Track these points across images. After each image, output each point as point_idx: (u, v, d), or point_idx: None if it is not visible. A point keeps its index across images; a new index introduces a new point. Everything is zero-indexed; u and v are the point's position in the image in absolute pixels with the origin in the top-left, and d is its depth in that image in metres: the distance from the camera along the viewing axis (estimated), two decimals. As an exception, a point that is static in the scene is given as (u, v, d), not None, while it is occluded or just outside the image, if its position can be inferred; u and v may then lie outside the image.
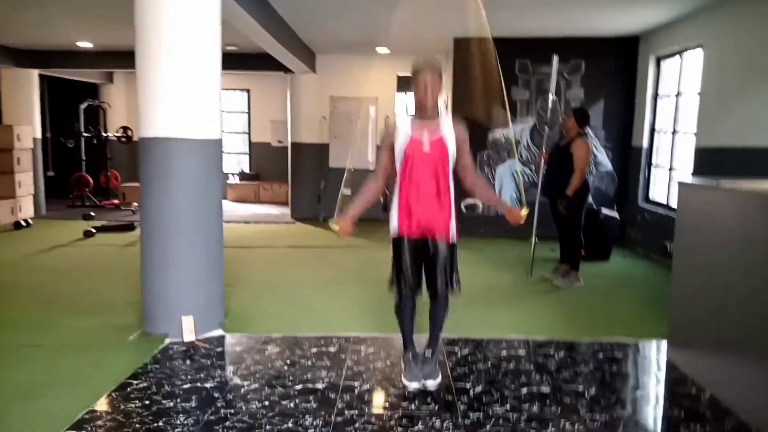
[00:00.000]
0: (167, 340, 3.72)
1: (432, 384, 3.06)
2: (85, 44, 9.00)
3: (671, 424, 2.77)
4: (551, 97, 5.71)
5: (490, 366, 3.45)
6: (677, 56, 6.80)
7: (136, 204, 10.55)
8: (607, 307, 4.89)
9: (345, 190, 3.02)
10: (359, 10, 6.29)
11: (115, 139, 11.52)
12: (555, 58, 5.65)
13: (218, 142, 3.89)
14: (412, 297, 3.08)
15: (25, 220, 8.55)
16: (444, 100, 8.85)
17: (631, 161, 7.67)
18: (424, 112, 2.96)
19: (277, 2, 6.02)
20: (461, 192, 7.99)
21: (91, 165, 11.39)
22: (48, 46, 9.37)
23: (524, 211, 3.03)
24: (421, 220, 2.93)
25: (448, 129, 2.97)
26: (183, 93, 3.64)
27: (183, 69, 3.62)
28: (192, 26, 3.62)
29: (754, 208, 2.79)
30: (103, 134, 11.44)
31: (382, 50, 8.83)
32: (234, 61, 9.17)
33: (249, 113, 12.74)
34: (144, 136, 3.70)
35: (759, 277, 2.70)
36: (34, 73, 9.94)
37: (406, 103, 11.46)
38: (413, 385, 3.06)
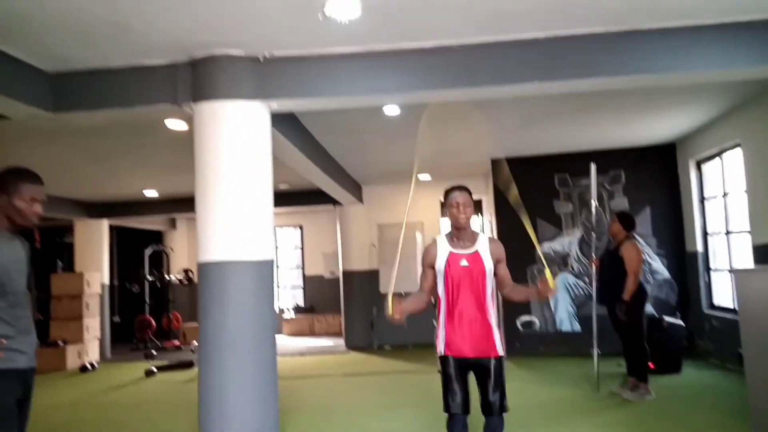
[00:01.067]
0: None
1: None
2: (151, 193, 9.79)
3: None
4: (594, 203, 5.76)
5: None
6: (717, 157, 6.83)
7: (195, 343, 10.76)
8: (683, 420, 4.52)
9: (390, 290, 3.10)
10: (398, 142, 6.72)
11: (177, 281, 12.06)
12: (592, 166, 5.78)
13: (270, 263, 4.06)
14: (463, 415, 2.99)
15: (91, 364, 8.81)
16: (489, 219, 9.02)
17: (688, 267, 7.43)
18: (460, 229, 3.09)
19: (323, 139, 6.51)
20: (516, 309, 7.89)
21: (154, 307, 11.85)
22: (118, 198, 10.22)
23: (548, 275, 2.99)
24: (467, 339, 2.98)
25: (483, 244, 3.09)
26: (237, 220, 3.90)
27: (238, 198, 3.90)
28: (245, 157, 3.96)
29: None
30: (166, 277, 12.00)
31: (424, 177, 9.23)
32: (287, 198, 9.76)
33: (302, 248, 13.20)
34: (202, 261, 3.92)
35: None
36: (105, 223, 10.75)
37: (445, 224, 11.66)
38: None
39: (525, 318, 7.64)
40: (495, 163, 7.89)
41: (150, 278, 11.73)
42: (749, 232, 6.02)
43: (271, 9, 3.34)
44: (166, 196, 10.16)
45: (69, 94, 4.10)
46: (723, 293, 6.88)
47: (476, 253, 3.05)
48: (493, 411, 2.95)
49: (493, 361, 2.98)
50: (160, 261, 12.53)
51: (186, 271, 11.96)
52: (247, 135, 3.97)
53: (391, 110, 5.32)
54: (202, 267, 3.94)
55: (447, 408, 3.00)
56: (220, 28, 3.59)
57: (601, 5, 3.44)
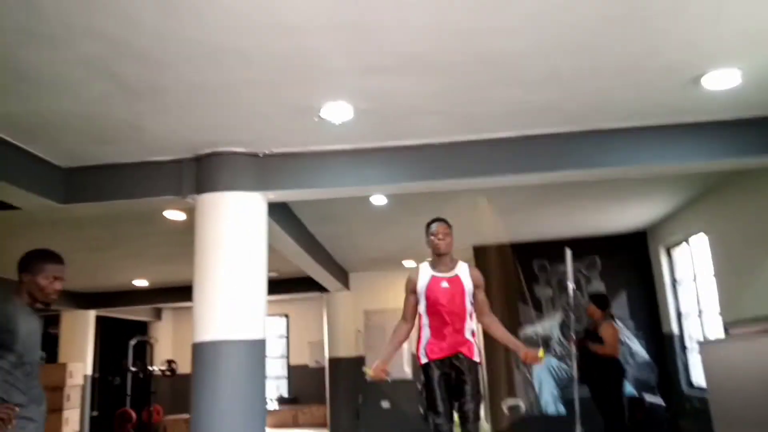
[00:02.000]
0: None
1: None
2: (140, 282, 9.93)
3: None
4: (571, 286, 6.06)
5: None
6: (684, 243, 7.26)
7: (176, 435, 10.52)
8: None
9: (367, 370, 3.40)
10: (384, 230, 7.09)
11: (159, 373, 11.90)
12: (567, 251, 6.14)
13: (262, 342, 4.26)
14: (447, 421, 3.24)
15: (68, 458, 8.55)
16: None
17: (665, 348, 7.67)
18: (440, 255, 3.46)
19: (313, 228, 6.86)
20: (503, 392, 7.96)
21: (135, 400, 11.60)
22: (107, 288, 10.33)
23: (541, 352, 3.30)
24: (448, 342, 3.30)
25: (463, 270, 3.46)
26: (233, 302, 4.13)
27: (235, 280, 4.16)
28: (244, 242, 4.25)
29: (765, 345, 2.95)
30: (149, 368, 11.85)
31: (408, 263, 9.54)
32: (275, 286, 9.88)
33: (288, 337, 13.19)
34: (198, 342, 4.11)
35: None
36: (92, 314, 10.77)
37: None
38: None
39: (511, 402, 7.70)
40: (477, 250, 8.26)
41: (133, 369, 11.58)
42: (720, 313, 6.33)
43: (271, 112, 3.76)
44: (156, 286, 10.30)
45: (80, 188, 4.43)
46: (701, 373, 7.08)
47: (456, 276, 3.39)
48: (468, 419, 3.22)
49: (467, 361, 3.28)
50: (143, 352, 12.41)
51: (169, 362, 11.84)
52: (245, 222, 4.29)
53: (378, 200, 5.70)
54: (198, 347, 4.12)
55: (432, 417, 3.25)
56: (225, 129, 4.00)
57: (562, 108, 3.93)
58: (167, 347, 13.02)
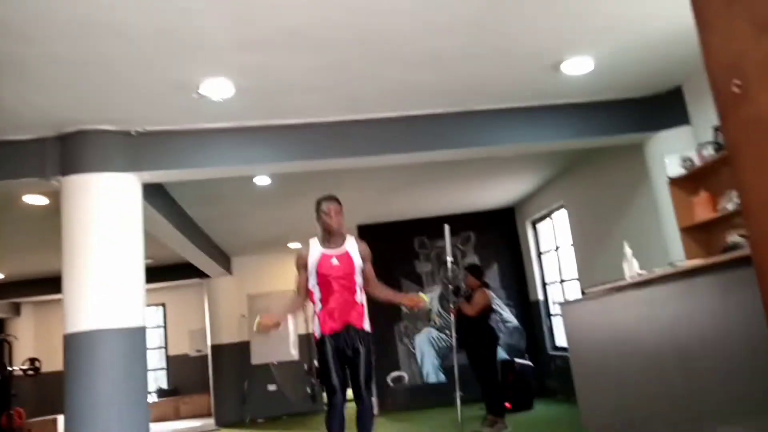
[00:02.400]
0: None
1: None
2: (-5, 276, 9.03)
3: None
4: (449, 260, 6.39)
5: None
6: (547, 218, 7.92)
7: (43, 438, 9.76)
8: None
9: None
10: (268, 212, 7.02)
11: (21, 373, 10.92)
12: (446, 227, 6.47)
13: (142, 330, 4.09)
14: (341, 392, 3.32)
15: None
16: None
17: (532, 314, 8.36)
18: (331, 234, 3.49)
19: (192, 210, 6.61)
20: (387, 366, 8.20)
21: (-8, 404, 10.57)
22: (-47, 283, 9.29)
23: (422, 295, 3.56)
24: (340, 316, 3.37)
25: (352, 245, 3.51)
26: (108, 289, 3.92)
27: (109, 267, 3.94)
28: (117, 227, 4.03)
29: (611, 302, 3.36)
30: (8, 368, 10.83)
31: (293, 245, 9.51)
32: (151, 274, 9.41)
33: (165, 327, 12.64)
34: (69, 332, 3.86)
35: (637, 362, 3.16)
36: (-65, 313, 9.62)
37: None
38: None
39: (395, 374, 8.01)
40: (361, 229, 8.43)
41: (-12, 371, 10.53)
42: (578, 279, 7.01)
43: (145, 89, 3.59)
44: (13, 279, 9.42)
45: None
46: (563, 335, 7.81)
47: (346, 252, 3.45)
48: (362, 394, 3.33)
49: (360, 332, 3.38)
50: (1, 351, 11.30)
51: (32, 360, 10.90)
52: (118, 205, 4.07)
53: (262, 180, 5.63)
54: (70, 338, 3.87)
55: (327, 389, 3.33)
56: (93, 106, 3.75)
57: (441, 89, 4.13)
58: (28, 345, 11.96)
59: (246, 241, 8.79)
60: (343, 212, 3.56)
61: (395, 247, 8.16)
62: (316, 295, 3.47)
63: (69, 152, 4.04)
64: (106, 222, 3.99)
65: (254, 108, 4.08)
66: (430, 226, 8.43)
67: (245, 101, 3.92)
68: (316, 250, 3.49)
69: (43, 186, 4.24)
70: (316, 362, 3.54)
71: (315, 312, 3.48)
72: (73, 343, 3.86)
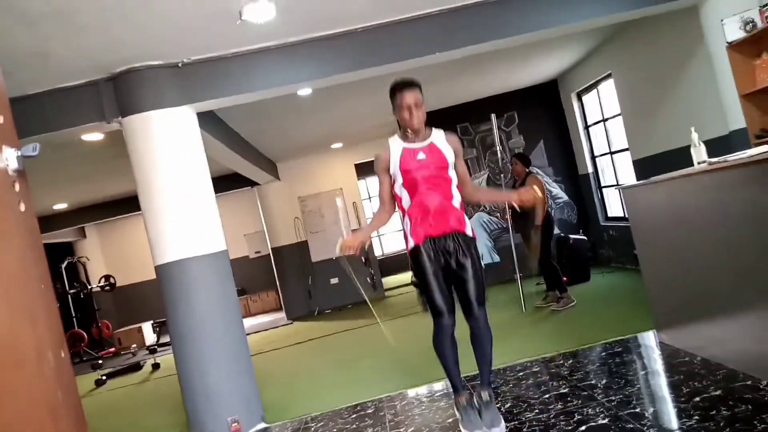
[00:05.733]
0: (218, 444, 4.00)
1: (497, 430, 2.87)
2: (61, 206, 9.48)
3: (675, 386, 3.21)
4: (498, 148, 6.41)
5: (512, 386, 3.84)
6: (594, 88, 7.70)
7: (135, 345, 10.72)
8: (598, 316, 5.36)
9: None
10: (310, 118, 7.02)
11: (99, 289, 11.78)
12: (493, 117, 6.42)
13: (224, 253, 4.36)
14: (450, 313, 2.87)
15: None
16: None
17: (582, 188, 8.39)
18: (412, 131, 2.90)
19: (236, 125, 6.68)
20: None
21: (81, 320, 11.54)
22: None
23: (536, 188, 2.96)
24: (435, 220, 2.85)
25: (439, 137, 2.94)
26: (186, 219, 4.14)
27: (183, 199, 4.14)
28: (182, 161, 4.17)
29: (679, 189, 3.38)
30: (88, 287, 11.69)
31: (336, 145, 9.59)
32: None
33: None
34: (159, 263, 4.15)
35: (706, 244, 3.25)
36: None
37: (368, 188, 12.12)
38: None
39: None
40: (401, 122, 8.38)
41: (72, 291, 11.39)
42: (628, 149, 6.95)
43: (187, 19, 3.53)
44: (77, 206, 9.88)
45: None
46: (614, 206, 7.89)
47: (431, 144, 2.87)
48: (474, 312, 2.85)
49: (463, 237, 2.84)
50: (76, 273, 12.13)
51: (107, 277, 11.70)
52: (180, 140, 4.18)
53: (304, 91, 5.60)
54: (161, 268, 4.17)
55: (432, 309, 2.87)
56: (138, 43, 3.73)
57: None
58: (100, 264, 12.79)
59: (290, 147, 8.90)
60: (424, 100, 2.90)
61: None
62: (405, 199, 2.91)
63: (124, 92, 4.09)
64: (172, 158, 4.13)
65: (296, 23, 3.99)
66: (471, 111, 8.34)
67: (286, 19, 3.82)
68: (396, 146, 2.91)
69: (104, 128, 4.35)
70: (413, 276, 3.12)
71: (404, 218, 2.95)
72: (164, 272, 4.16)
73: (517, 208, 3.09)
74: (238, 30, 3.81)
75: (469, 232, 2.93)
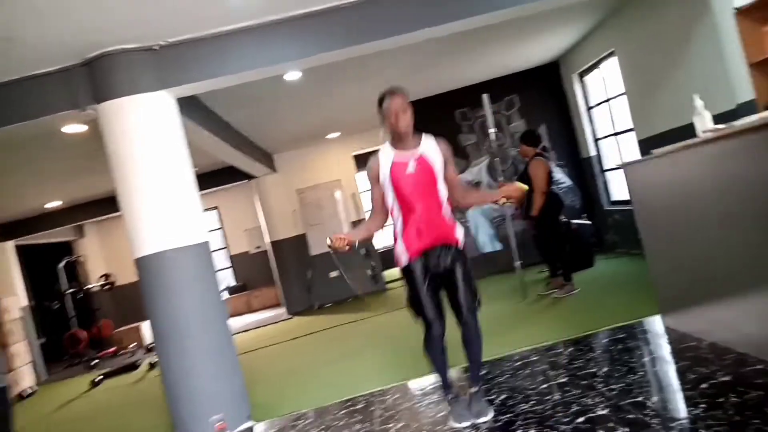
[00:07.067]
0: (203, 443, 3.82)
1: (485, 419, 2.98)
2: (54, 204, 9.34)
3: (680, 372, 3.00)
4: (492, 131, 6.17)
5: (508, 376, 3.65)
6: (595, 69, 7.45)
7: (134, 344, 10.60)
8: (602, 303, 5.15)
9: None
10: (302, 105, 6.83)
11: (98, 288, 11.65)
12: (484, 97, 6.20)
13: (206, 244, 4.17)
14: (439, 324, 2.95)
15: (29, 389, 8.50)
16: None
17: (585, 171, 8.15)
18: (400, 138, 2.93)
19: (227, 115, 6.50)
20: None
21: (80, 320, 11.42)
22: (19, 216, 9.69)
23: (518, 184, 2.96)
24: (428, 232, 2.90)
25: (429, 147, 2.96)
26: (166, 209, 3.96)
27: (162, 188, 3.95)
28: (161, 148, 3.99)
29: (683, 161, 3.16)
30: (86, 286, 11.57)
31: (332, 135, 9.39)
32: (198, 182, 9.59)
33: (222, 229, 13.07)
34: (139, 257, 3.97)
35: (712, 221, 3.03)
36: (10, 245, 10.17)
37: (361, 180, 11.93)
38: (465, 424, 2.98)
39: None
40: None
41: (70, 291, 11.27)
42: (633, 129, 6.70)
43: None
44: (72, 203, 9.74)
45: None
46: (619, 189, 7.65)
47: (421, 157, 2.90)
48: (465, 319, 2.92)
49: (453, 250, 2.90)
50: (75, 272, 12.02)
51: (106, 276, 11.57)
52: (158, 126, 3.99)
53: (292, 76, 5.41)
54: (140, 262, 3.99)
55: (423, 319, 2.95)
56: (109, 26, 3.55)
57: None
58: (99, 263, 12.67)
59: (285, 137, 8.71)
60: (410, 106, 2.92)
61: (435, 122, 7.82)
62: (396, 212, 2.98)
63: (98, 78, 3.91)
64: (149, 145, 3.95)
65: (277, 0, 3.78)
66: (469, 96, 8.09)
67: (264, -6, 3.63)
68: (387, 156, 2.94)
69: (80, 117, 4.17)
70: (405, 290, 3.07)
71: (396, 233, 3.01)
72: (143, 265, 3.98)
73: (500, 204, 2.99)
74: (216, 9, 3.62)
75: (460, 244, 2.99)
